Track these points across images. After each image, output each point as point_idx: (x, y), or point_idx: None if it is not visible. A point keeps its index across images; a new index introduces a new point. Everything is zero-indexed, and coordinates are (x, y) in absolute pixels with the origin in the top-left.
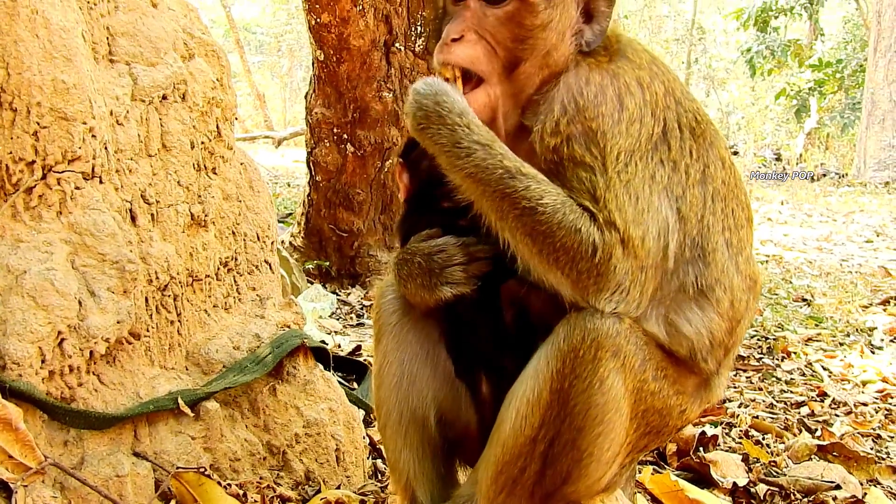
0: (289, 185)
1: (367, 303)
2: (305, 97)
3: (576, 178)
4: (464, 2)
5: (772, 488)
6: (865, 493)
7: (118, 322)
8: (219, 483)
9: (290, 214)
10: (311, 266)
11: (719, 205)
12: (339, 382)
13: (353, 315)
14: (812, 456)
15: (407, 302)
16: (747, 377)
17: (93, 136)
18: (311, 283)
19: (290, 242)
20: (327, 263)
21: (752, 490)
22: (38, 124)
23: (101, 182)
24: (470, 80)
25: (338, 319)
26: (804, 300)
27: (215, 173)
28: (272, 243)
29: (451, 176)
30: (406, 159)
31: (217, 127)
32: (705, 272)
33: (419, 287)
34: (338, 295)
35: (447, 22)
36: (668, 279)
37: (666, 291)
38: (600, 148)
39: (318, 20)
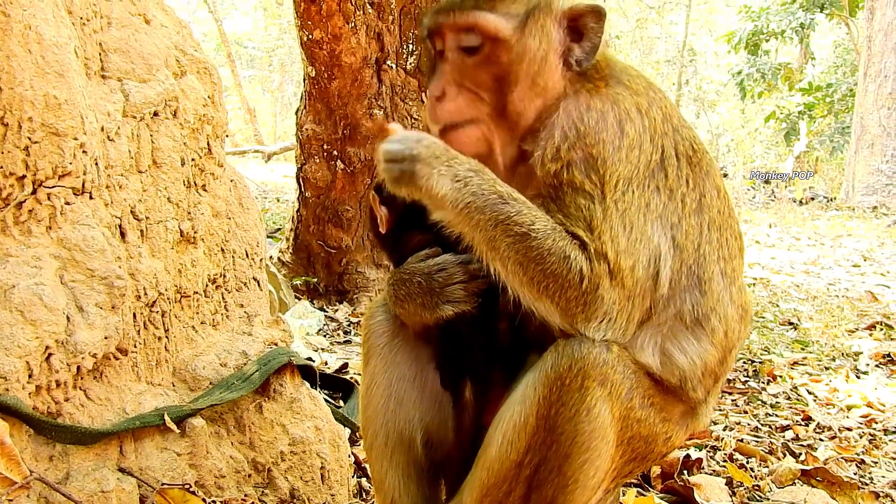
0: (278, 200)
1: (354, 320)
2: (296, 113)
3: (573, 205)
4: (444, 54)
5: None
6: None
7: (106, 337)
8: (203, 500)
9: (279, 230)
10: (298, 282)
11: (714, 234)
12: (326, 400)
13: (340, 332)
14: (796, 480)
15: (397, 323)
16: (733, 400)
17: (84, 151)
18: (299, 299)
19: (279, 258)
20: (315, 279)
21: None
22: (30, 139)
23: (91, 198)
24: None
25: (325, 336)
26: (791, 324)
27: (205, 190)
28: (261, 260)
29: (444, 211)
30: (381, 194)
31: (208, 144)
32: (702, 301)
33: (419, 307)
34: (325, 311)
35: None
36: (664, 306)
37: (662, 319)
38: (600, 175)
39: (310, 36)
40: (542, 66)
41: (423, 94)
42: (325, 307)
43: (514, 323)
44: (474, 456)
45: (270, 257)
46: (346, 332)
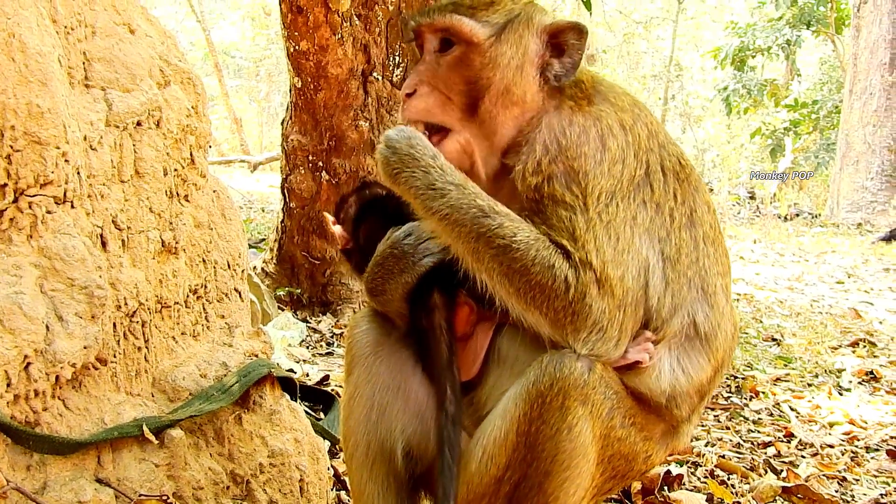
0: (263, 211)
1: (337, 331)
2: (282, 124)
3: (555, 217)
4: (423, 55)
5: None
6: None
7: (85, 347)
8: None
9: (263, 240)
10: (282, 293)
11: (711, 248)
12: (306, 412)
13: (322, 343)
14: (777, 497)
15: (381, 333)
16: (715, 416)
17: (66, 160)
18: (282, 310)
19: (262, 268)
20: (299, 290)
21: None
22: (12, 147)
23: (72, 207)
24: (437, 132)
25: (307, 348)
26: (774, 340)
27: (187, 200)
28: (242, 272)
29: (425, 220)
30: (338, 214)
31: (191, 154)
32: (711, 315)
33: (398, 274)
34: (308, 322)
35: None
36: (666, 319)
37: (665, 334)
38: (581, 188)
39: (297, 47)
40: (516, 75)
41: None
42: (308, 318)
43: None
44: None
45: (254, 268)
46: (329, 344)
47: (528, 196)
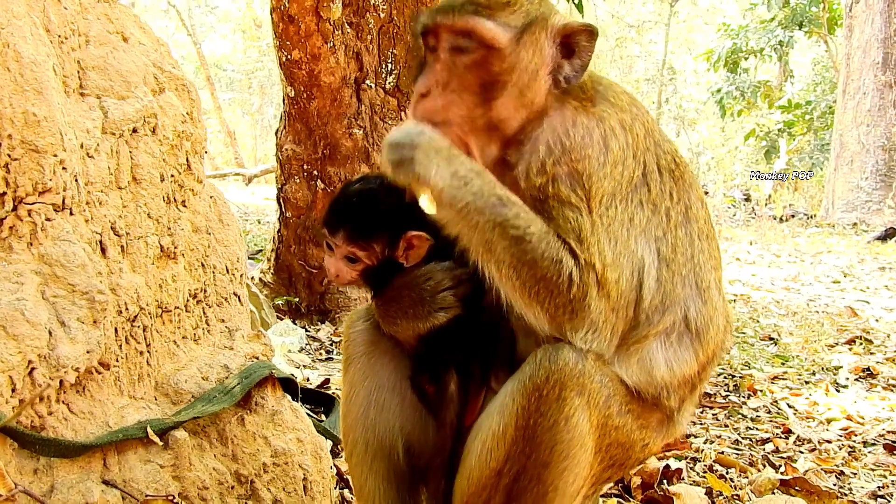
0: (259, 223)
1: (336, 339)
2: (276, 133)
3: (562, 217)
4: (435, 53)
5: None
6: None
7: (88, 352)
8: None
9: (261, 251)
10: (280, 302)
11: (705, 244)
12: (308, 414)
13: (322, 351)
14: (775, 490)
15: (378, 332)
16: (713, 414)
17: (63, 168)
18: (281, 319)
19: (260, 278)
20: (297, 299)
21: None
22: (10, 156)
23: (71, 214)
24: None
25: (307, 355)
26: (771, 339)
27: (185, 206)
28: (241, 276)
29: (443, 210)
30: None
31: (187, 160)
32: (703, 310)
33: (411, 319)
34: (307, 331)
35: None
36: (657, 316)
37: (657, 330)
38: (586, 190)
39: (289, 57)
40: (531, 79)
41: (403, 113)
42: (306, 326)
43: (494, 319)
44: (456, 462)
45: (252, 278)
46: (328, 352)
47: (532, 195)
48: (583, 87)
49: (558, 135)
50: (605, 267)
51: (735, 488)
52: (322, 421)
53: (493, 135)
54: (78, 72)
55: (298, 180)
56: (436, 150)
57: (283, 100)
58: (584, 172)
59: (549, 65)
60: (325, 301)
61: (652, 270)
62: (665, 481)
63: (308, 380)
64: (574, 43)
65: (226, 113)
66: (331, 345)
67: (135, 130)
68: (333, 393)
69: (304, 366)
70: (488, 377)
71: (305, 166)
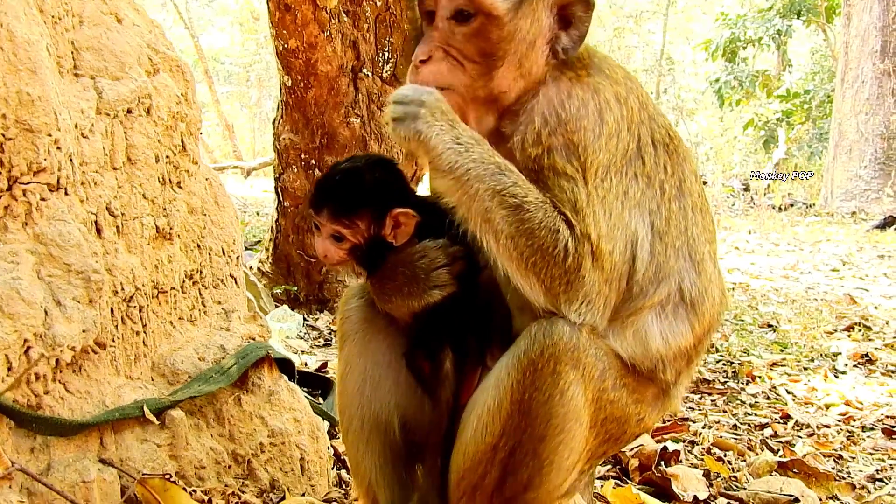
0: (258, 215)
1: (335, 328)
2: (273, 123)
3: (557, 188)
4: (434, 23)
5: (732, 501)
6: None
7: (84, 331)
8: (184, 489)
9: (259, 242)
10: (279, 291)
11: (699, 217)
12: (305, 396)
13: (320, 339)
14: (773, 472)
15: (373, 309)
16: (712, 400)
17: (58, 148)
18: (279, 307)
19: (259, 268)
20: (295, 289)
21: (713, 503)
22: (4, 136)
23: (66, 194)
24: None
25: (305, 342)
26: (770, 326)
27: (180, 187)
28: (237, 258)
29: (442, 176)
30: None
31: (182, 141)
32: (698, 282)
33: (406, 297)
34: (306, 320)
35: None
36: (652, 289)
37: (652, 302)
38: (581, 161)
39: (286, 46)
40: (529, 49)
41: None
42: (305, 316)
43: (489, 296)
44: (452, 439)
45: (250, 267)
46: (326, 341)
47: (528, 166)
48: (579, 59)
49: (554, 106)
50: (600, 238)
51: (733, 470)
52: (320, 404)
53: (491, 106)
54: (72, 52)
55: (296, 170)
56: (441, 112)
57: (280, 89)
58: (580, 144)
59: (546, 35)
60: (324, 290)
61: (645, 243)
62: (663, 463)
63: (306, 365)
64: (571, 14)
65: (224, 106)
66: (329, 333)
67: (129, 111)
68: (331, 377)
69: (301, 351)
70: (484, 354)
71: (303, 155)
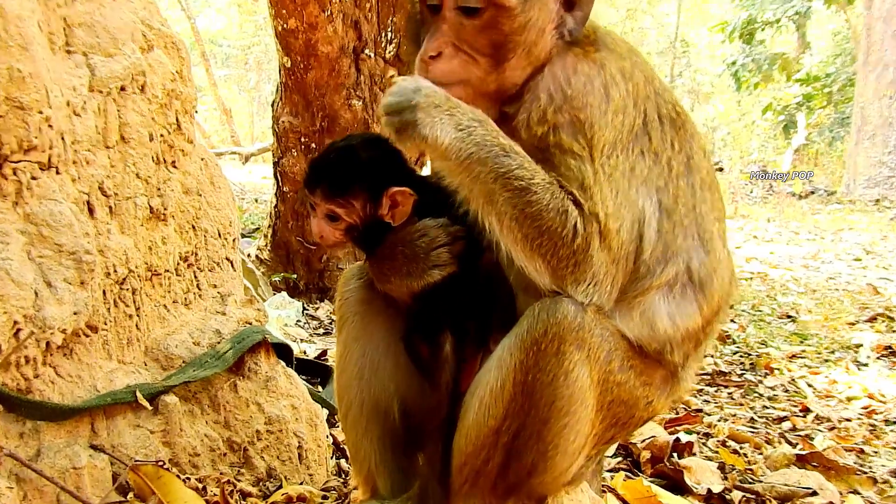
0: (256, 201)
1: (335, 317)
2: (272, 106)
3: (564, 166)
4: (440, 13)
5: (747, 495)
6: (844, 502)
7: (75, 313)
8: (178, 477)
9: (258, 229)
10: (277, 279)
11: (707, 194)
12: (303, 383)
13: (321, 329)
14: (791, 465)
15: (372, 291)
16: (728, 393)
17: (49, 126)
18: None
19: (257, 255)
20: (295, 276)
21: (727, 497)
22: None
23: (57, 173)
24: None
25: (305, 330)
26: (789, 317)
27: (175, 167)
28: (234, 241)
29: (444, 161)
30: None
31: (177, 119)
32: (707, 261)
33: (405, 276)
34: (306, 310)
35: (425, 32)
36: (660, 269)
37: (659, 282)
38: (588, 139)
39: (285, 26)
40: (539, 36)
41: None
42: (305, 305)
43: (491, 277)
44: (453, 425)
45: (248, 255)
46: (327, 331)
47: (534, 145)
48: (583, 35)
49: (559, 83)
50: (608, 217)
51: (749, 463)
52: (319, 392)
53: (501, 94)
54: (64, 28)
55: (296, 153)
56: (435, 106)
57: (280, 71)
58: (587, 121)
59: (554, 20)
60: (324, 278)
61: (653, 221)
62: (675, 455)
63: (305, 353)
64: None
65: (221, 90)
66: (330, 323)
67: (123, 88)
68: (331, 365)
69: (301, 340)
70: (486, 338)
71: (303, 139)
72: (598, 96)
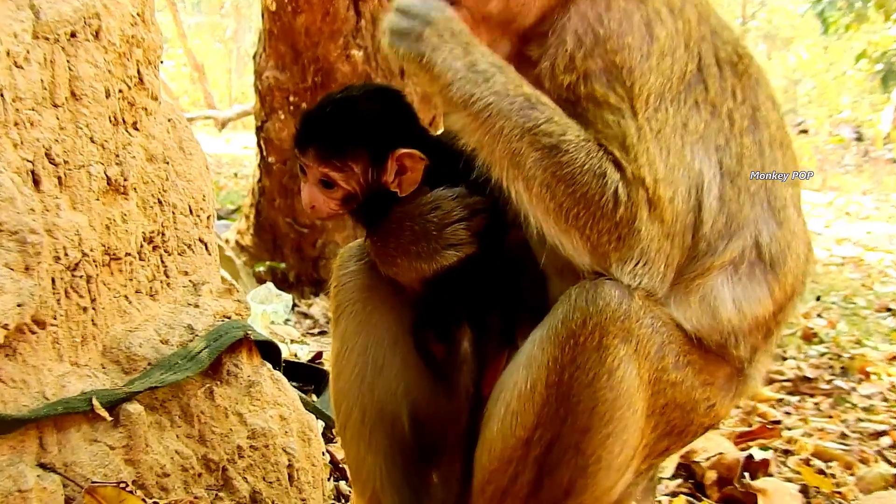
0: (236, 176)
1: (331, 307)
2: (254, 58)
3: (601, 122)
4: None
5: None
6: None
7: (19, 305)
8: (143, 501)
9: (237, 210)
10: (262, 269)
11: (778, 153)
12: (294, 390)
13: (315, 329)
14: (889, 488)
15: (374, 274)
16: (815, 403)
17: None
18: None
19: (237, 241)
20: (283, 266)
21: None
22: None
23: None
24: None
25: (296, 329)
26: (889, 310)
27: (136, 129)
28: (208, 218)
29: (456, 112)
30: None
31: (138, 72)
32: (778, 234)
33: (414, 258)
34: (296, 306)
35: None
36: (724, 244)
37: (722, 260)
38: (626, 88)
39: None
40: None
41: None
42: (296, 301)
43: (518, 259)
44: (474, 435)
45: (227, 241)
46: (322, 331)
47: (562, 97)
48: None
49: (589, 21)
50: (657, 182)
51: (837, 486)
52: (314, 401)
53: (508, 28)
54: None
55: (283, 116)
56: (452, 33)
57: (263, 14)
58: (624, 66)
59: None
60: (319, 268)
61: (713, 187)
62: (748, 475)
63: (296, 356)
64: None
65: (192, 41)
66: (326, 322)
67: (73, 35)
68: (327, 369)
69: (291, 340)
70: (512, 333)
71: (291, 98)
72: (638, 36)
